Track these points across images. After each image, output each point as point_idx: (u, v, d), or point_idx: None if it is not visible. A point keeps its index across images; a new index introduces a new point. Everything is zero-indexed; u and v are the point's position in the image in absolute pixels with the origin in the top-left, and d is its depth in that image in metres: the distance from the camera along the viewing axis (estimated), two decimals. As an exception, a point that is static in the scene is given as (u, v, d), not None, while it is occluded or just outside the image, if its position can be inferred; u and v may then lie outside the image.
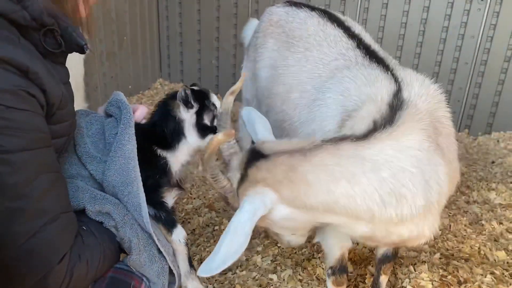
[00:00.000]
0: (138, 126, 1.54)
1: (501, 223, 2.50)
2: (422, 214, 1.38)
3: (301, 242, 1.66)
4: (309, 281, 2.14)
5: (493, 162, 3.23)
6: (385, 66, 1.69)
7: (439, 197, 1.41)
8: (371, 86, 1.57)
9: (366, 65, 1.76)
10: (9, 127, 1.09)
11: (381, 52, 1.88)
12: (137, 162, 1.45)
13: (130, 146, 1.46)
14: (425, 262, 2.17)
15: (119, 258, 1.45)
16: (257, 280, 2.15)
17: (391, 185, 1.31)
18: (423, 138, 1.39)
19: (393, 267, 2.13)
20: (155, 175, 1.55)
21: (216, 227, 2.54)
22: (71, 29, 1.28)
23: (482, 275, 2.07)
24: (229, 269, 2.24)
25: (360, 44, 1.89)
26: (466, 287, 2.00)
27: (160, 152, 1.58)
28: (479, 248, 2.30)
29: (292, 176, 1.31)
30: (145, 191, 1.45)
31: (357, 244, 2.26)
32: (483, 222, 2.51)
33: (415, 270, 2.13)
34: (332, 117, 1.64)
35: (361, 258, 2.30)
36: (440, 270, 2.10)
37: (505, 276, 2.07)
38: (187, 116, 1.61)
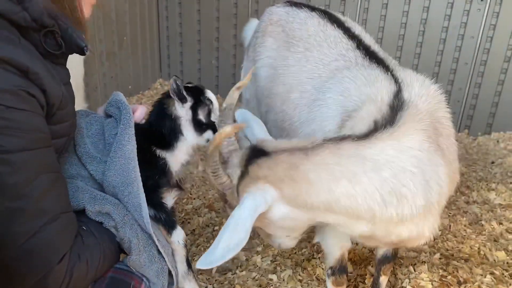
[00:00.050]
0: (137, 126, 1.54)
1: (500, 223, 2.50)
2: (422, 214, 1.38)
3: (292, 245, 1.66)
4: (309, 281, 2.14)
5: (492, 163, 3.23)
6: (385, 67, 1.70)
7: (439, 198, 1.42)
8: (371, 86, 1.58)
9: (366, 66, 1.77)
10: (9, 127, 1.09)
11: (381, 53, 1.88)
12: (137, 163, 1.45)
13: (130, 146, 1.46)
14: (425, 262, 2.17)
15: (119, 258, 1.44)
16: (257, 280, 2.15)
17: (392, 185, 1.32)
18: (423, 139, 1.39)
19: (393, 268, 2.13)
20: (154, 176, 1.55)
21: (216, 227, 2.54)
22: (71, 31, 1.28)
23: (482, 275, 2.07)
24: (229, 269, 2.24)
25: (360, 45, 1.89)
26: (466, 287, 2.00)
27: (159, 152, 1.58)
28: (479, 248, 2.31)
29: (294, 174, 1.32)
30: (145, 191, 1.45)
31: (357, 244, 2.26)
32: (483, 222, 2.52)
33: (415, 270, 2.13)
34: (332, 118, 1.64)
35: (361, 258, 2.30)
36: (440, 271, 2.10)
37: (505, 276, 2.08)
38: (183, 113, 1.60)
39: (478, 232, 2.44)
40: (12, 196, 1.11)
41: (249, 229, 1.27)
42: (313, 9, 2.16)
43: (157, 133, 1.60)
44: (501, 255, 2.25)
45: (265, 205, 1.32)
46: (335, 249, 1.78)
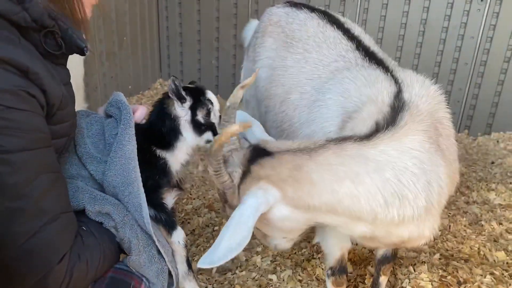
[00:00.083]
0: (137, 126, 1.54)
1: (500, 224, 2.50)
2: (423, 215, 1.38)
3: (288, 247, 1.65)
4: (309, 282, 2.14)
5: (492, 163, 3.23)
6: (385, 68, 1.70)
7: (439, 198, 1.42)
8: (372, 87, 1.58)
9: (366, 67, 1.77)
10: (9, 127, 1.09)
11: (381, 54, 1.88)
12: (137, 163, 1.45)
13: (130, 146, 1.46)
14: (424, 262, 2.18)
15: (119, 258, 1.45)
16: (256, 280, 2.15)
17: (394, 186, 1.32)
18: (424, 140, 1.39)
19: (393, 268, 2.13)
20: (155, 176, 1.55)
21: (216, 228, 2.54)
22: (71, 31, 1.28)
23: (481, 275, 2.07)
24: (229, 269, 2.24)
25: (360, 45, 1.89)
26: (466, 287, 2.00)
27: (159, 152, 1.58)
28: (478, 248, 2.31)
29: (297, 175, 1.31)
30: (145, 191, 1.45)
31: (357, 244, 2.26)
32: (482, 222, 2.52)
33: (414, 270, 2.13)
34: (333, 118, 1.64)
35: (361, 258, 2.30)
36: (440, 271, 2.10)
37: (505, 276, 2.08)
38: (182, 113, 1.60)
39: (478, 233, 2.44)
40: (12, 196, 1.11)
41: (251, 228, 1.27)
42: (312, 10, 2.16)
43: (157, 133, 1.60)
44: (501, 255, 2.25)
45: (266, 205, 1.32)
46: (335, 249, 1.78)
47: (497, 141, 3.53)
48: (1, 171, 1.08)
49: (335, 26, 2.02)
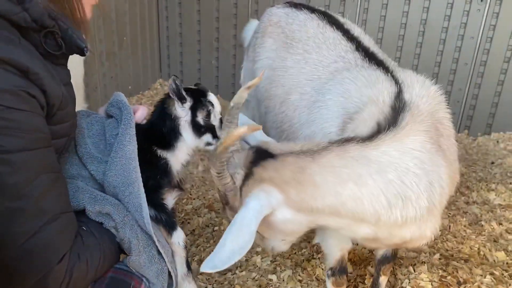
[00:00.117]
0: (138, 126, 1.54)
1: (500, 224, 2.50)
2: (425, 216, 1.38)
3: (286, 249, 1.64)
4: (309, 282, 2.14)
5: (492, 163, 3.23)
6: (385, 68, 1.70)
7: (441, 198, 1.42)
8: (372, 87, 1.58)
9: (366, 67, 1.77)
10: (9, 127, 1.09)
11: (380, 54, 1.88)
12: (138, 163, 1.45)
13: (131, 146, 1.46)
14: (424, 262, 2.18)
15: (119, 258, 1.45)
16: (256, 280, 2.15)
17: (397, 187, 1.32)
18: (425, 140, 1.40)
19: (393, 268, 2.13)
20: (155, 176, 1.55)
21: (216, 228, 2.54)
22: (71, 31, 1.28)
23: (481, 275, 2.07)
24: (229, 269, 2.24)
25: (360, 46, 1.89)
26: (466, 287, 2.00)
27: (160, 152, 1.58)
28: (478, 248, 2.31)
29: (300, 177, 1.30)
30: (145, 192, 1.45)
31: (357, 244, 2.26)
32: (482, 222, 2.52)
33: (414, 270, 2.13)
34: (333, 119, 1.64)
35: (361, 258, 2.30)
36: (440, 271, 2.10)
37: (505, 276, 2.08)
38: (182, 113, 1.60)
39: (478, 233, 2.44)
40: (12, 196, 1.11)
41: (254, 231, 1.25)
42: (312, 10, 2.17)
43: (158, 133, 1.60)
44: (501, 255, 2.25)
45: (269, 208, 1.30)
46: (335, 250, 1.77)
47: (497, 141, 3.53)
48: (1, 171, 1.08)
49: (334, 27, 2.03)
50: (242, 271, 2.21)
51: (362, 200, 1.30)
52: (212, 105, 1.62)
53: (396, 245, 1.68)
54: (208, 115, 1.61)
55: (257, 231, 1.48)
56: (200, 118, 1.60)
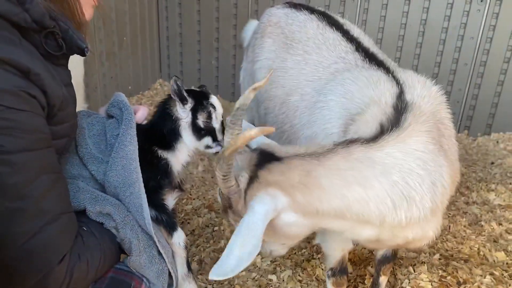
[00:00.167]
0: (138, 127, 1.54)
1: (500, 224, 2.50)
2: (428, 216, 1.38)
3: (284, 253, 1.62)
4: (309, 282, 2.15)
5: (492, 163, 3.23)
6: (386, 69, 1.70)
7: (443, 198, 1.42)
8: (374, 88, 1.58)
9: (367, 68, 1.77)
10: (10, 127, 1.09)
11: (380, 55, 1.88)
12: (138, 163, 1.45)
13: (131, 147, 1.46)
14: (424, 263, 2.18)
15: (119, 258, 1.45)
16: (256, 280, 2.16)
17: (401, 188, 1.32)
18: (427, 140, 1.40)
19: (393, 268, 2.13)
20: (156, 177, 1.55)
21: (216, 228, 2.54)
22: (72, 32, 1.28)
23: (481, 275, 2.07)
24: (229, 269, 2.24)
25: (359, 47, 1.90)
26: (466, 287, 2.00)
27: (160, 153, 1.58)
28: (478, 249, 2.31)
29: (306, 180, 1.29)
30: (146, 192, 1.45)
31: (357, 245, 2.26)
32: (482, 223, 2.52)
33: (414, 270, 2.13)
34: (335, 120, 1.64)
35: (361, 258, 2.31)
36: (440, 271, 2.10)
37: (504, 277, 2.08)
38: (183, 114, 1.59)
39: (478, 233, 2.44)
40: (12, 197, 1.11)
41: (261, 236, 1.23)
42: (312, 11, 2.17)
43: (158, 134, 1.59)
44: (501, 255, 2.25)
45: (275, 212, 1.28)
46: (336, 250, 1.77)
47: (497, 142, 3.53)
48: (1, 171, 1.08)
49: (334, 28, 2.03)
50: (242, 271, 2.21)
51: (367, 203, 1.30)
52: (214, 107, 1.61)
53: (399, 246, 1.68)
54: (209, 117, 1.59)
55: None
56: (200, 120, 1.59)
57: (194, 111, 1.59)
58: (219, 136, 1.60)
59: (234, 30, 4.08)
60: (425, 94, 1.54)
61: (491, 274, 2.08)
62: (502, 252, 2.27)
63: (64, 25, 1.26)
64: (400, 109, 1.44)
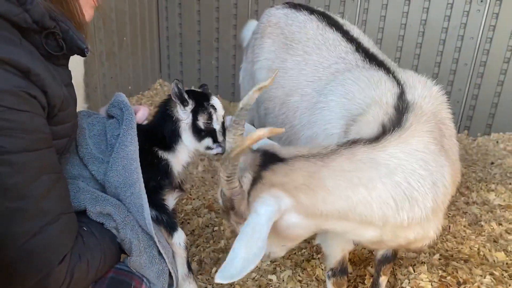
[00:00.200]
0: (139, 127, 1.54)
1: (500, 224, 2.50)
2: (430, 216, 1.38)
3: (282, 255, 1.61)
4: (309, 282, 2.15)
5: (492, 163, 3.23)
6: (386, 69, 1.70)
7: (444, 198, 1.43)
8: (375, 89, 1.58)
9: (367, 68, 1.77)
10: (10, 128, 1.09)
11: (380, 55, 1.88)
12: (139, 164, 1.45)
13: (132, 147, 1.46)
14: (424, 263, 2.18)
15: (120, 258, 1.45)
16: (256, 280, 2.15)
17: (404, 189, 1.32)
18: (429, 140, 1.40)
19: (393, 268, 2.13)
20: (156, 177, 1.55)
21: (216, 228, 2.54)
22: (72, 32, 1.28)
23: (481, 276, 2.07)
24: (229, 269, 2.24)
25: (359, 47, 1.90)
26: (465, 287, 2.00)
27: (161, 153, 1.58)
28: (478, 249, 2.31)
29: (311, 182, 1.28)
30: (147, 192, 1.45)
31: (357, 245, 2.26)
32: (482, 223, 2.52)
33: (414, 271, 2.13)
34: (336, 120, 1.64)
35: (361, 259, 2.31)
36: (440, 271, 2.10)
37: (504, 277, 2.08)
38: (184, 116, 1.59)
39: (478, 233, 2.44)
40: (13, 197, 1.11)
41: (266, 238, 1.21)
42: (312, 11, 2.17)
43: (159, 134, 1.59)
44: (501, 255, 2.25)
45: (279, 214, 1.27)
46: (337, 251, 1.77)
47: (497, 142, 3.54)
48: (1, 171, 1.08)
49: (334, 28, 2.03)
50: (242, 272, 2.21)
51: (371, 204, 1.30)
52: (215, 108, 1.60)
53: (400, 246, 1.68)
54: (210, 118, 1.59)
55: None
56: (201, 122, 1.58)
57: (195, 113, 1.58)
58: (220, 138, 1.59)
59: (234, 30, 4.08)
60: (426, 94, 1.54)
61: (491, 274, 2.08)
62: (502, 252, 2.27)
63: (65, 26, 1.26)
64: (402, 110, 1.44)
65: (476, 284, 2.01)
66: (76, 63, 2.55)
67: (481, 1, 3.38)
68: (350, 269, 2.19)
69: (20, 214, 1.12)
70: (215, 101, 1.62)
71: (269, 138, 1.62)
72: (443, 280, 2.04)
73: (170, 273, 1.51)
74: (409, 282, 2.06)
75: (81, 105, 2.61)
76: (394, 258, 1.91)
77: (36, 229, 1.15)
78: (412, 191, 1.33)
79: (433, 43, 3.60)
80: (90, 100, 3.50)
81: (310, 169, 1.30)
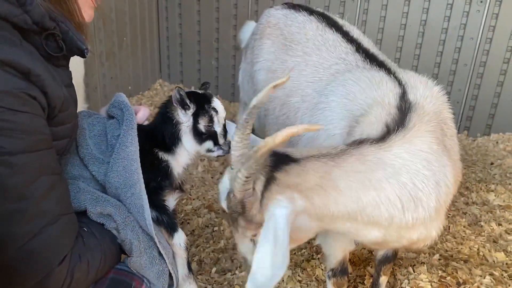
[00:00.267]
0: (139, 127, 1.54)
1: (500, 225, 2.51)
2: (433, 216, 1.39)
3: None
4: (308, 282, 2.15)
5: (492, 164, 3.24)
6: (387, 69, 1.70)
7: (446, 198, 1.44)
8: (377, 89, 1.58)
9: (368, 69, 1.77)
10: (10, 129, 1.09)
11: (380, 56, 1.88)
12: (139, 164, 1.45)
13: (133, 148, 1.46)
14: (424, 263, 2.18)
15: (120, 259, 1.45)
16: (256, 281, 2.15)
17: (409, 190, 1.33)
18: (432, 140, 1.41)
19: (392, 268, 2.13)
20: (157, 178, 1.54)
21: (216, 228, 2.54)
22: (72, 33, 1.28)
23: (481, 276, 2.08)
24: (228, 270, 2.24)
25: (360, 48, 1.90)
26: (465, 288, 2.01)
27: (161, 155, 1.58)
28: (478, 249, 2.31)
29: (324, 183, 1.27)
30: (147, 193, 1.45)
31: (357, 244, 2.26)
32: (482, 223, 2.52)
33: (414, 271, 2.14)
34: (337, 121, 1.63)
35: (360, 259, 2.31)
36: (439, 271, 2.11)
37: (504, 277, 2.08)
38: (185, 119, 1.58)
39: (478, 233, 2.44)
40: (13, 198, 1.11)
41: (288, 240, 1.18)
42: (311, 12, 2.16)
43: (159, 136, 1.59)
44: (500, 256, 2.25)
45: (293, 215, 1.23)
46: (338, 251, 1.77)
47: (497, 142, 3.54)
48: (1, 172, 1.08)
49: (333, 29, 2.03)
50: (242, 271, 2.21)
51: (379, 205, 1.30)
52: (216, 111, 1.58)
53: (403, 246, 1.68)
54: (211, 121, 1.57)
55: (251, 241, 1.40)
56: (202, 125, 1.57)
57: (196, 116, 1.57)
58: (221, 140, 1.58)
59: (234, 30, 4.08)
60: (427, 94, 1.55)
61: (491, 274, 2.09)
62: (502, 253, 2.27)
63: (64, 27, 1.26)
64: (404, 110, 1.45)
65: (475, 284, 2.01)
66: (76, 64, 2.55)
67: (481, 1, 3.39)
68: (350, 269, 2.19)
69: (20, 214, 1.13)
70: (217, 103, 1.60)
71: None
72: (442, 280, 2.05)
73: (170, 273, 1.51)
74: (408, 282, 2.06)
75: (81, 106, 2.61)
76: (394, 258, 1.91)
77: (36, 229, 1.15)
78: (417, 192, 1.33)
79: (433, 43, 3.60)
80: (90, 101, 3.50)
81: (322, 169, 1.28)
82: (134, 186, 1.43)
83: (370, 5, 3.65)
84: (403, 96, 1.51)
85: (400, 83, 1.58)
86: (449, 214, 2.61)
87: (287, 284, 2.13)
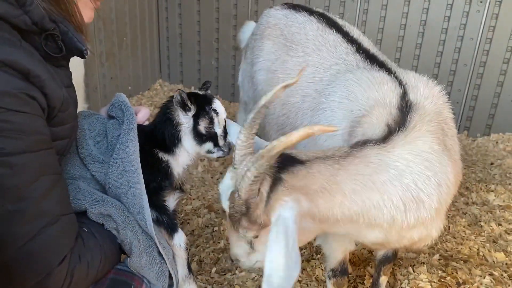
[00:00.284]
0: (140, 128, 1.54)
1: (500, 225, 2.51)
2: (434, 216, 1.39)
3: None
4: (308, 282, 2.15)
5: (492, 164, 3.24)
6: (387, 70, 1.70)
7: (447, 198, 1.44)
8: (378, 89, 1.58)
9: (368, 69, 1.77)
10: (10, 129, 1.09)
11: (381, 56, 1.89)
12: (139, 164, 1.45)
13: (133, 148, 1.46)
14: (424, 263, 2.18)
15: (120, 259, 1.45)
16: (256, 281, 2.16)
17: (412, 191, 1.33)
18: (433, 141, 1.41)
19: (392, 268, 2.13)
20: (157, 178, 1.54)
21: (216, 228, 2.54)
22: (72, 34, 1.28)
23: (481, 276, 2.08)
24: (228, 270, 2.24)
25: (360, 48, 1.90)
26: (465, 288, 2.01)
27: (161, 155, 1.58)
28: (478, 249, 2.31)
29: (329, 185, 1.27)
30: (147, 193, 1.45)
31: (356, 245, 2.26)
32: (482, 223, 2.52)
33: (414, 271, 2.14)
34: (338, 121, 1.63)
35: (360, 259, 2.31)
36: (439, 271, 2.11)
37: (504, 277, 2.08)
38: (185, 120, 1.57)
39: (477, 233, 2.44)
40: (12, 198, 1.11)
41: (297, 242, 1.17)
42: (311, 12, 2.17)
43: (159, 136, 1.59)
44: (500, 256, 2.25)
45: (300, 218, 1.22)
46: (338, 252, 1.77)
47: (496, 142, 3.54)
48: (1, 173, 1.08)
49: (334, 29, 2.03)
50: (241, 272, 2.21)
51: (382, 207, 1.30)
52: (216, 113, 1.58)
53: (404, 247, 1.68)
54: (211, 122, 1.57)
55: (248, 243, 1.39)
56: (202, 127, 1.57)
57: (196, 117, 1.56)
58: (221, 142, 1.58)
59: (234, 30, 4.08)
60: (428, 94, 1.55)
61: (491, 274, 2.09)
62: (502, 253, 2.27)
63: (64, 27, 1.26)
64: (405, 110, 1.45)
65: (475, 284, 2.01)
66: (76, 64, 2.55)
67: (481, 1, 3.39)
68: (350, 269, 2.19)
69: (20, 215, 1.12)
70: (217, 104, 1.59)
71: (269, 139, 1.60)
72: (442, 280, 2.05)
73: (170, 274, 1.51)
74: (408, 283, 2.06)
75: (81, 106, 2.61)
76: (394, 258, 1.91)
77: (36, 230, 1.15)
78: (419, 193, 1.33)
79: (432, 43, 3.60)
80: (90, 101, 3.50)
81: (327, 172, 1.27)
82: (134, 186, 1.43)
83: (370, 5, 3.65)
84: (404, 96, 1.51)
85: (400, 83, 1.59)
86: (449, 214, 2.61)
87: (287, 284, 2.13)
